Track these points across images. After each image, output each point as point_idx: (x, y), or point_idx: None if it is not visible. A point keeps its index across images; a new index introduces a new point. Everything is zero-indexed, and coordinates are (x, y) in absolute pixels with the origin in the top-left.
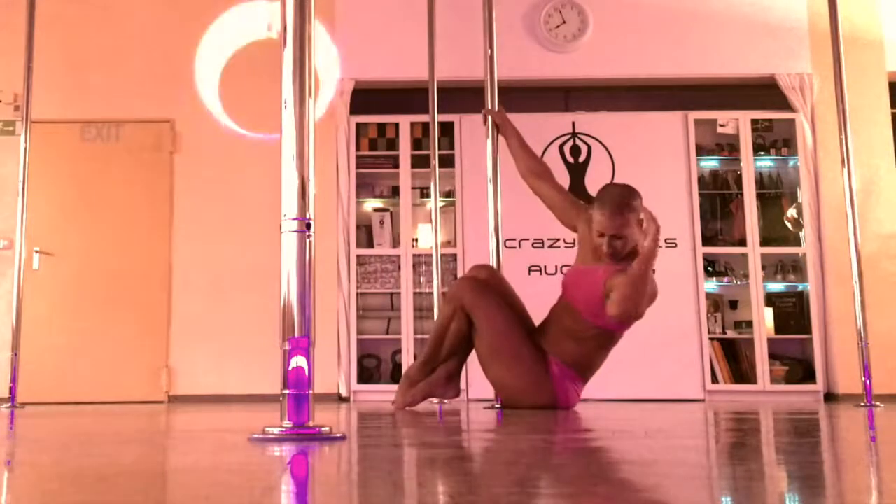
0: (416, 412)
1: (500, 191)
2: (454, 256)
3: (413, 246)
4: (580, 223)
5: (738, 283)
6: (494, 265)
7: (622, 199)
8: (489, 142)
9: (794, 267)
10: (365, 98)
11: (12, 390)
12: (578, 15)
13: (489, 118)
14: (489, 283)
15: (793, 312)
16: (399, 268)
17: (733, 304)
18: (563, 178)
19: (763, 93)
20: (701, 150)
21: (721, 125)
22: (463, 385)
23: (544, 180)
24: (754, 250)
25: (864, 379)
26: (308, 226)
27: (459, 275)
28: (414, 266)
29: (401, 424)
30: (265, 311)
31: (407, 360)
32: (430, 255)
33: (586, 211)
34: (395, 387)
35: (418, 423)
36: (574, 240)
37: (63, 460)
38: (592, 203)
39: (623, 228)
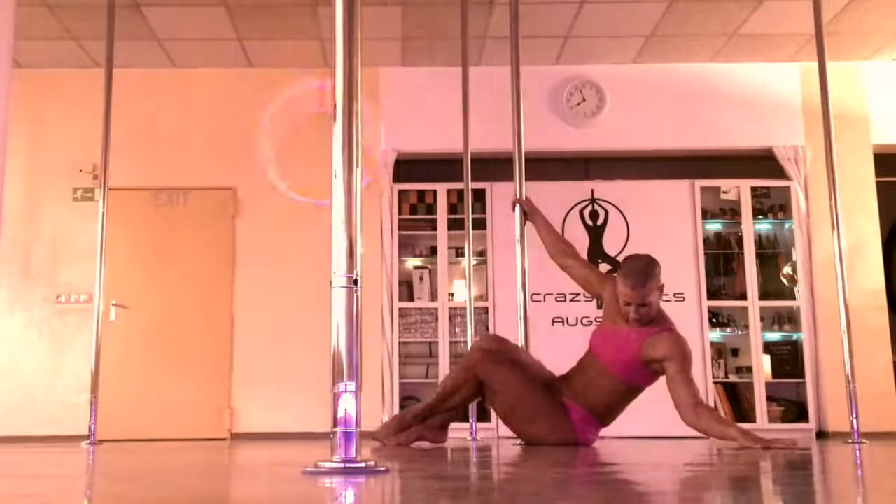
0: (446, 447)
1: (526, 251)
2: (486, 309)
3: (449, 300)
4: (605, 291)
5: (739, 332)
6: (521, 317)
7: (645, 271)
8: (517, 207)
9: (789, 318)
10: (406, 167)
11: (91, 428)
12: (597, 94)
13: (517, 206)
14: (500, 352)
15: (788, 359)
16: (437, 319)
17: (735, 352)
18: (583, 240)
19: (761, 163)
20: (706, 214)
21: (724, 192)
22: (493, 423)
23: (572, 259)
24: (754, 303)
25: (852, 418)
26: (355, 282)
27: (490, 327)
28: (450, 318)
29: (438, 460)
30: (317, 358)
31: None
32: (465, 308)
33: (609, 279)
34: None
35: (453, 457)
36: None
37: (136, 491)
38: (615, 271)
39: (647, 297)
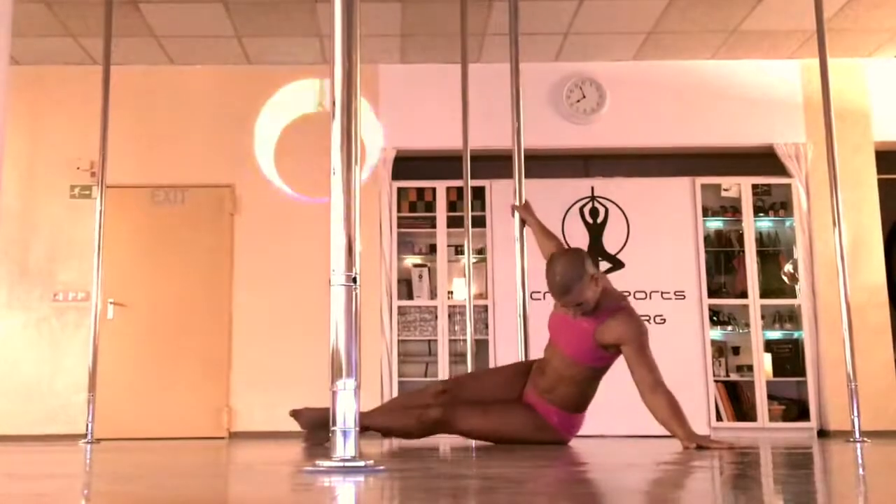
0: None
1: (526, 249)
2: (485, 307)
3: (448, 298)
4: None
5: (740, 331)
6: (521, 316)
7: (562, 283)
8: (516, 202)
9: (790, 316)
10: (405, 165)
11: (89, 427)
12: (597, 91)
13: (517, 212)
14: (454, 406)
15: (789, 357)
16: (436, 317)
17: (736, 350)
18: (583, 238)
19: (762, 160)
20: (707, 212)
21: (725, 189)
22: None
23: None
24: (754, 302)
25: (853, 417)
26: (354, 280)
27: (490, 324)
28: (449, 316)
29: (435, 458)
30: (316, 357)
31: None
32: (464, 307)
33: None
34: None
35: (453, 456)
36: None
37: (134, 490)
38: (615, 269)
39: (577, 300)
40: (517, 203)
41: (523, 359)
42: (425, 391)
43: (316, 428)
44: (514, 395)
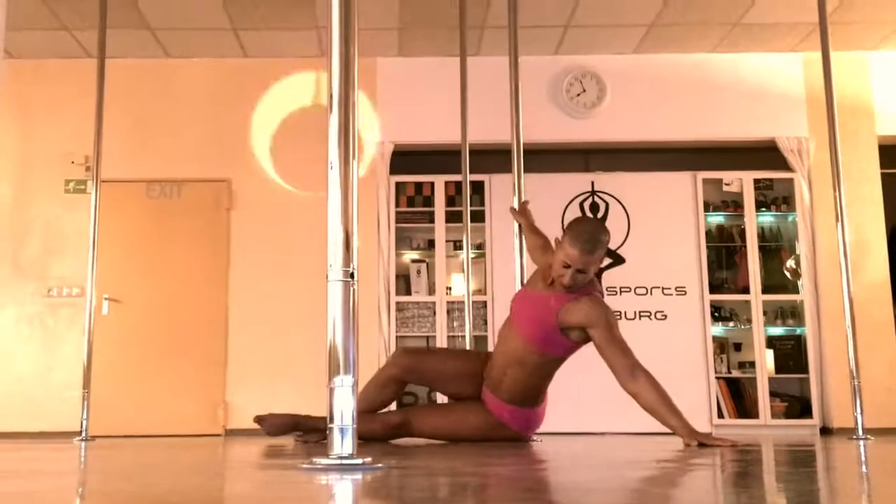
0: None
1: (525, 244)
2: (484, 303)
3: (447, 294)
4: (546, 258)
5: (742, 327)
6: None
7: (596, 237)
8: (515, 200)
9: (792, 312)
10: (403, 159)
11: (83, 424)
12: (597, 84)
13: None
14: (411, 366)
15: (791, 354)
16: (434, 313)
17: (737, 347)
18: None
19: (764, 155)
20: (708, 207)
21: (726, 184)
22: None
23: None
24: (756, 297)
25: (856, 414)
26: (352, 275)
27: (489, 320)
28: (448, 312)
29: (434, 456)
30: (313, 353)
31: (441, 399)
32: (463, 302)
33: (554, 248)
34: None
35: (450, 453)
36: None
37: (128, 488)
38: (615, 265)
39: (589, 265)
40: (515, 206)
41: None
42: (387, 366)
43: (280, 434)
44: (473, 386)
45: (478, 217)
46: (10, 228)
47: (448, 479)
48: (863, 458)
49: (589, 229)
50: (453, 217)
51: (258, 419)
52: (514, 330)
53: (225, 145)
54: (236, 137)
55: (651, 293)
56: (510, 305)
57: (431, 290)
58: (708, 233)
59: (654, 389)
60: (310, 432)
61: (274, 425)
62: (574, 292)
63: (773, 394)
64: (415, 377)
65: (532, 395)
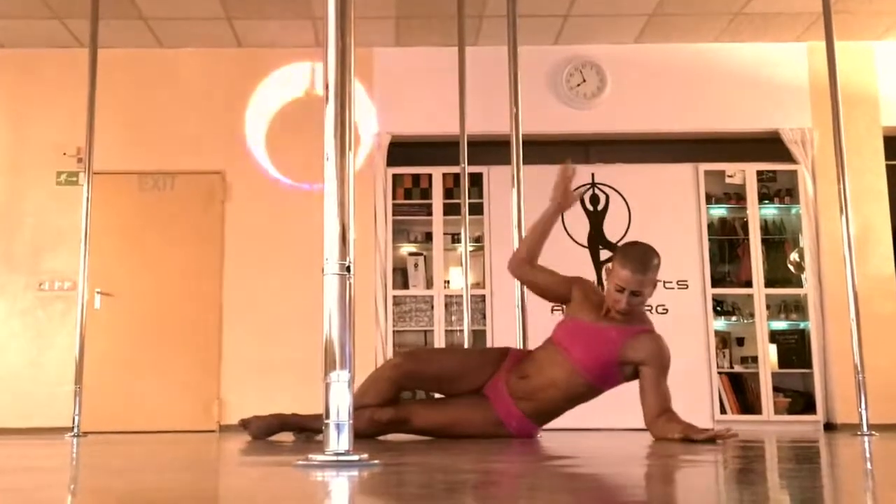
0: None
1: (524, 236)
2: (482, 297)
3: (445, 287)
4: (574, 290)
5: (745, 321)
6: (519, 305)
7: (648, 257)
8: (514, 192)
9: (796, 306)
10: (401, 151)
11: (75, 420)
12: (597, 74)
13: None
14: (411, 371)
15: (795, 348)
16: (432, 307)
17: (740, 341)
18: (584, 225)
19: (767, 146)
20: (710, 199)
21: (729, 176)
22: None
23: (538, 269)
24: (759, 291)
25: (860, 410)
26: (348, 269)
27: (488, 314)
28: (446, 306)
29: (431, 453)
30: (309, 347)
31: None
32: (461, 296)
33: (576, 279)
34: None
35: (447, 450)
36: None
37: (121, 485)
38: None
39: (644, 286)
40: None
41: (521, 348)
42: (383, 369)
43: (267, 436)
44: (475, 384)
45: (476, 209)
46: (1, 221)
47: (447, 476)
48: (867, 455)
49: (639, 249)
50: (451, 209)
51: (243, 422)
52: (564, 357)
53: (219, 136)
54: (231, 128)
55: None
56: (553, 331)
57: (429, 284)
58: (710, 225)
59: (665, 427)
60: (300, 431)
61: (260, 427)
62: (634, 326)
63: (776, 389)
64: (414, 383)
65: (552, 416)
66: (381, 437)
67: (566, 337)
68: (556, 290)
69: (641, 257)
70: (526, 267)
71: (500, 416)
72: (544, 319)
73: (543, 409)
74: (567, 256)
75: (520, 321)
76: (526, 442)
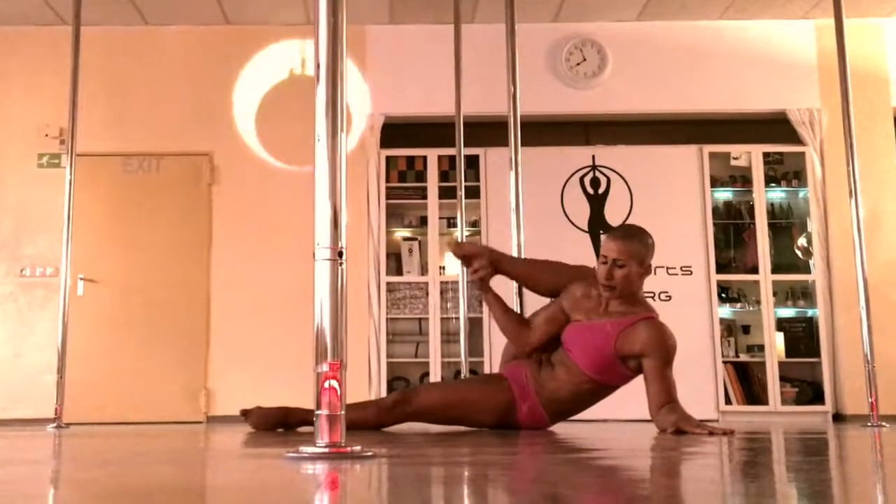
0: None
1: (522, 221)
2: None
3: (440, 273)
4: (567, 299)
5: (751, 308)
6: (517, 292)
7: (634, 229)
8: (512, 175)
9: (803, 293)
10: (394, 132)
11: (58, 411)
12: (598, 53)
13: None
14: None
15: (803, 337)
16: (427, 294)
17: (746, 329)
18: (584, 209)
19: (774, 127)
20: (715, 182)
21: (734, 158)
22: None
23: (533, 328)
24: (766, 277)
25: (870, 400)
26: (340, 254)
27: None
28: (441, 292)
29: (425, 444)
30: (300, 336)
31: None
32: (457, 282)
33: (567, 288)
34: None
35: (442, 442)
36: None
37: (105, 478)
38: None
39: (627, 256)
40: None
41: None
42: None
43: (268, 428)
44: (489, 407)
45: (472, 193)
46: None
47: (440, 469)
48: (878, 447)
49: (626, 225)
50: (447, 193)
51: (244, 412)
52: (569, 357)
53: (206, 117)
54: (218, 108)
55: (655, 273)
56: (562, 339)
57: (424, 270)
58: (715, 209)
59: (667, 418)
60: (304, 426)
61: (261, 418)
62: (630, 317)
63: (783, 379)
64: (415, 418)
65: (565, 414)
66: (384, 430)
67: (569, 338)
68: (559, 320)
69: (625, 227)
70: (527, 339)
71: (514, 397)
72: (541, 305)
73: (558, 399)
74: (567, 241)
75: (517, 308)
76: (526, 434)
